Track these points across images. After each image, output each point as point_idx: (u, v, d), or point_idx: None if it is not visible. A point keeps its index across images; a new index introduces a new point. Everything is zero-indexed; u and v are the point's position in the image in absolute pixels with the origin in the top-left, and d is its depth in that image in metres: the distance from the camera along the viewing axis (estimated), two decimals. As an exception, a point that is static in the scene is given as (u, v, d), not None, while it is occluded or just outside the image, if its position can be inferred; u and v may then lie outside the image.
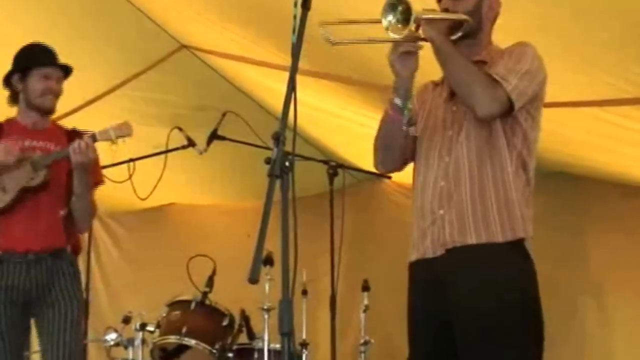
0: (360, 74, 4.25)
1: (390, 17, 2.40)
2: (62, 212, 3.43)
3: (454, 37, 2.57)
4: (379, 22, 2.43)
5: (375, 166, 2.79)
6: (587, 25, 2.91)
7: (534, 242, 2.56)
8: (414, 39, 2.49)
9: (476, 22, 2.59)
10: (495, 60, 2.55)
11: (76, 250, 3.51)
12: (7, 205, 3.35)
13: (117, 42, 4.88)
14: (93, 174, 3.47)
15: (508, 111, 2.50)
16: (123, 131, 3.38)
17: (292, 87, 1.91)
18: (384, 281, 4.99)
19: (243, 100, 5.45)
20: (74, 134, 3.51)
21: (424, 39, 2.50)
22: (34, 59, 3.51)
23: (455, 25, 2.59)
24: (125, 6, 4.70)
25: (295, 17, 1.96)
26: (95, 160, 3.43)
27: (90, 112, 5.27)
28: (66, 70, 3.57)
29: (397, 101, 2.57)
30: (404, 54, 2.50)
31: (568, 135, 3.98)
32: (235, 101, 5.27)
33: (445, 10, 2.61)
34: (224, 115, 4.68)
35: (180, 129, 4.73)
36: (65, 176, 3.44)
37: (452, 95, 2.64)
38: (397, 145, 2.67)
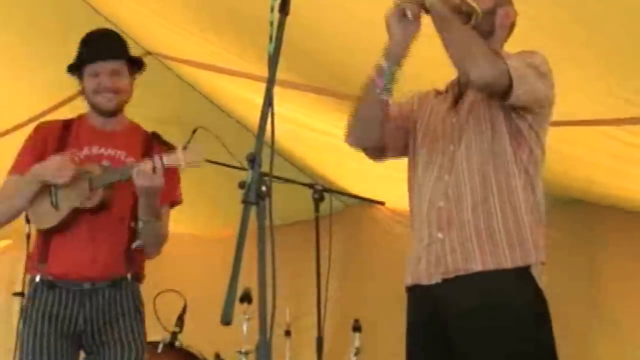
0: (351, 87, 4.27)
1: None
2: (134, 244, 3.28)
3: None
4: None
5: (346, 138, 2.82)
6: (592, 31, 2.98)
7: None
8: (418, 2, 2.56)
9: (487, 24, 2.65)
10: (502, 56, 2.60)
11: (139, 278, 3.39)
12: (58, 225, 3.23)
13: (73, 47, 4.87)
14: (165, 194, 3.31)
15: (505, 90, 2.50)
16: (193, 160, 3.28)
17: (268, 101, 1.92)
18: (377, 320, 5.00)
19: (217, 115, 5.49)
20: (153, 142, 3.43)
21: (425, 8, 2.57)
22: (84, 55, 3.42)
23: (463, 12, 2.62)
24: (82, 7, 4.74)
25: (271, 23, 1.97)
26: (171, 178, 3.32)
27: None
28: (129, 60, 3.43)
29: (384, 63, 2.61)
30: (404, 16, 2.57)
31: (578, 156, 4.02)
32: (208, 116, 5.31)
33: None
34: (194, 131, 4.65)
35: (166, 146, 4.73)
36: (132, 196, 3.26)
37: (455, 103, 2.69)
38: (374, 117, 2.69)
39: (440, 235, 2.57)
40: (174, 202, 3.48)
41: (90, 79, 3.38)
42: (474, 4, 2.64)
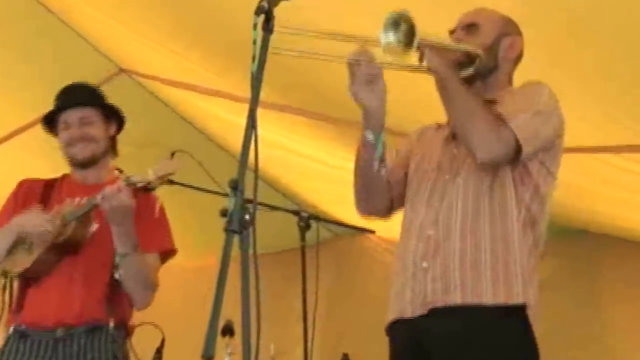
0: (340, 110, 4.32)
1: (391, 36, 2.45)
2: (117, 275, 3.22)
3: (463, 74, 2.64)
4: (371, 40, 2.47)
5: (357, 209, 2.84)
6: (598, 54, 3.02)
7: (538, 312, 2.52)
8: (414, 67, 2.54)
9: (491, 60, 2.67)
10: (505, 100, 2.63)
11: (126, 328, 3.32)
12: (31, 268, 3.20)
13: (37, 63, 4.90)
14: (153, 241, 3.30)
15: (515, 157, 2.53)
16: (164, 174, 3.21)
17: (251, 123, 1.93)
18: (367, 355, 4.99)
19: (197, 137, 5.53)
20: (138, 193, 3.28)
21: (426, 69, 2.55)
22: (55, 107, 3.45)
23: (465, 61, 2.65)
24: (49, 18, 4.77)
25: (254, 42, 1.99)
26: (158, 225, 3.30)
27: (4, 150, 5.30)
28: (99, 105, 3.43)
29: (368, 135, 2.63)
30: (368, 80, 2.53)
31: (582, 185, 4.05)
32: (188, 139, 5.36)
33: (457, 41, 2.67)
34: (172, 154, 4.67)
35: (120, 171, 4.72)
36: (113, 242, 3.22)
37: (454, 136, 2.70)
38: (374, 187, 2.72)
39: (425, 264, 2.58)
40: (166, 251, 3.44)
41: (63, 133, 3.43)
42: (475, 50, 2.62)
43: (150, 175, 3.20)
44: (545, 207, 2.63)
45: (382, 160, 2.67)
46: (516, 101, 2.59)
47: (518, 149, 2.51)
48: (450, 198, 2.61)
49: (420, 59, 2.56)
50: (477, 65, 2.66)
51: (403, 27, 2.44)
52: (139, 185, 3.21)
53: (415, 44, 2.42)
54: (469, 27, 2.70)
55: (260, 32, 2.04)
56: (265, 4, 2.05)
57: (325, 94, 4.17)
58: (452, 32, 2.72)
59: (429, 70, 2.55)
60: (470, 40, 2.68)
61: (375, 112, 2.59)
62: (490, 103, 2.62)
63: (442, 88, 2.54)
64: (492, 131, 2.48)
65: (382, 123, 2.62)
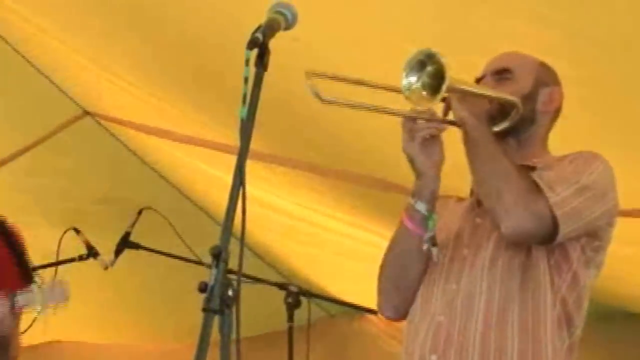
0: (335, 160, 4.36)
1: (414, 79, 2.45)
2: None
3: (496, 129, 2.60)
4: (395, 89, 2.45)
5: (380, 308, 2.74)
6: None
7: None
8: (438, 118, 2.53)
9: (528, 112, 2.64)
10: (546, 167, 2.58)
11: None
12: None
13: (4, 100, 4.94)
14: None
15: (548, 236, 2.46)
16: (57, 297, 3.33)
17: (239, 179, 1.90)
18: None
19: (170, 192, 5.50)
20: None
21: (451, 122, 2.54)
22: None
23: (499, 113, 2.62)
24: (7, 52, 4.76)
25: (245, 80, 1.98)
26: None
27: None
28: None
29: (420, 206, 2.58)
30: (427, 140, 2.53)
31: (626, 256, 4.01)
32: (159, 193, 5.34)
33: None
34: (140, 212, 4.67)
35: (77, 231, 4.71)
36: None
37: (478, 203, 2.65)
38: (414, 276, 2.64)
39: (433, 357, 2.52)
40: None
41: None
42: (512, 98, 2.60)
43: (38, 301, 3.32)
44: (584, 304, 2.55)
45: (433, 240, 2.61)
46: (560, 170, 2.53)
47: (554, 227, 2.44)
48: (471, 280, 2.51)
49: (447, 110, 2.55)
50: (514, 118, 2.61)
51: (430, 69, 2.43)
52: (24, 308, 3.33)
53: (443, 90, 2.40)
54: (501, 74, 2.67)
55: (252, 68, 2.02)
56: (259, 36, 2.04)
57: (323, 142, 4.16)
58: (479, 80, 2.69)
59: (456, 122, 2.52)
60: (502, 89, 2.64)
61: (431, 178, 2.59)
62: (528, 169, 2.57)
63: (470, 143, 2.52)
64: (523, 200, 2.44)
65: (437, 193, 2.60)
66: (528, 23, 2.99)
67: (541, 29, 2.96)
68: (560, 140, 2.73)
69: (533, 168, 2.58)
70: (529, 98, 2.65)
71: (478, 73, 2.71)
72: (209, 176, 5.05)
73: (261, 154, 4.41)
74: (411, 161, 2.56)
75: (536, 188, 2.46)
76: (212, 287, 1.83)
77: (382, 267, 2.69)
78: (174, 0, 3.79)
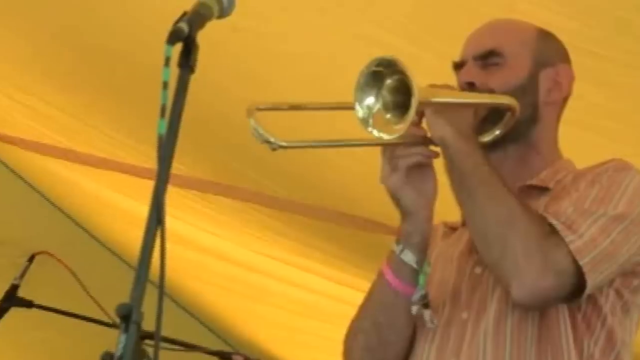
0: (301, 193, 4.44)
1: (372, 100, 2.42)
2: None
3: (487, 139, 2.58)
4: (350, 107, 2.42)
5: None
6: None
7: None
8: (419, 139, 2.50)
9: (528, 108, 2.61)
10: (564, 187, 2.57)
11: None
12: None
13: None
14: None
15: (573, 293, 2.46)
16: None
17: (157, 213, 1.91)
18: None
19: (72, 232, 5.56)
20: None
21: (429, 141, 2.51)
22: None
23: (489, 119, 2.59)
24: None
25: (165, 85, 1.92)
26: None
27: None
28: None
29: (408, 257, 2.56)
30: (413, 169, 2.51)
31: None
32: (57, 233, 5.38)
33: (471, 86, 2.61)
34: (32, 258, 4.65)
35: None
36: None
37: (475, 245, 2.60)
38: (398, 347, 2.65)
39: None
40: None
41: None
42: (506, 100, 2.56)
43: None
44: None
45: (425, 300, 2.57)
46: (580, 197, 2.50)
47: (579, 281, 2.43)
48: (471, 350, 2.55)
49: (418, 124, 2.51)
50: (508, 122, 2.58)
51: (390, 82, 2.42)
52: None
53: (413, 107, 2.35)
54: (487, 58, 2.62)
55: (170, 68, 1.94)
56: (183, 26, 1.99)
57: (279, 167, 4.20)
58: (458, 67, 2.65)
59: (434, 142, 2.51)
60: (489, 82, 2.58)
61: (422, 220, 2.56)
62: (537, 191, 2.57)
63: (456, 171, 2.49)
64: (537, 250, 2.41)
65: (427, 240, 2.58)
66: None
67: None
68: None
69: (544, 189, 2.59)
70: (527, 88, 2.62)
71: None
72: (123, 210, 5.11)
73: (195, 181, 4.48)
74: (395, 198, 2.53)
75: (551, 230, 2.43)
76: (121, 356, 1.81)
77: (354, 333, 2.68)
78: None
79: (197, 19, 2.03)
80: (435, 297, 2.64)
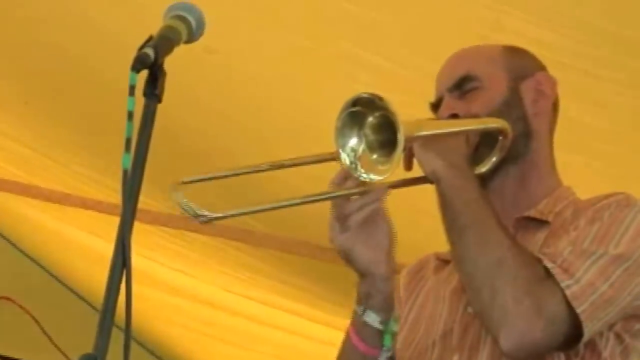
0: (283, 226, 4.43)
1: (354, 142, 2.39)
2: None
3: (485, 169, 2.59)
4: (332, 158, 2.39)
5: None
6: None
7: None
8: (379, 187, 2.43)
9: (518, 124, 2.62)
10: (563, 222, 2.58)
11: None
12: None
13: None
14: None
15: (567, 342, 2.45)
16: None
17: (122, 255, 1.89)
18: None
19: (34, 274, 5.55)
20: None
21: (418, 180, 2.51)
22: None
23: (483, 144, 2.59)
24: None
25: (130, 115, 1.90)
26: None
27: None
28: None
29: (370, 318, 2.54)
30: (365, 221, 2.47)
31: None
32: (18, 276, 5.38)
33: (454, 117, 2.61)
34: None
35: None
36: None
37: None
38: None
39: None
40: None
41: None
42: (495, 123, 2.56)
43: None
44: None
45: None
46: (579, 232, 2.49)
47: (574, 330, 2.42)
48: None
49: (408, 160, 2.50)
50: (503, 146, 2.58)
51: (372, 120, 2.39)
52: None
53: (400, 143, 2.32)
54: (463, 85, 2.64)
55: (135, 99, 1.91)
56: (149, 52, 1.96)
57: (246, 196, 4.17)
58: (435, 107, 2.65)
59: (426, 179, 2.49)
60: (470, 109, 2.60)
61: (381, 278, 2.52)
62: (536, 224, 2.58)
63: (447, 208, 2.49)
64: (528, 297, 2.40)
65: (392, 296, 2.54)
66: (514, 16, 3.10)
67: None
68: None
69: (542, 221, 2.58)
70: (511, 103, 2.62)
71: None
72: (88, 248, 5.11)
73: (166, 217, 4.48)
74: (347, 259, 2.50)
75: (546, 274, 2.42)
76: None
77: None
78: (38, 4, 3.82)
79: (163, 44, 2.00)
80: (424, 336, 2.65)
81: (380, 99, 2.35)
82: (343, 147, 2.39)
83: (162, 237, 4.68)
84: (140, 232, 1.94)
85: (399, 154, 2.33)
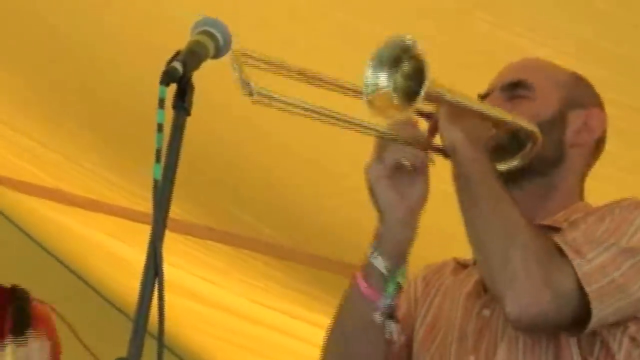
0: (300, 239, 4.47)
1: (383, 78, 2.38)
2: None
3: (502, 168, 2.55)
4: (358, 91, 2.37)
5: None
6: None
7: None
8: (418, 141, 2.46)
9: (552, 145, 2.60)
10: (574, 221, 2.56)
11: None
12: None
13: None
14: None
15: (575, 322, 2.42)
16: None
17: (154, 263, 1.92)
18: None
19: (61, 276, 5.59)
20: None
21: (437, 148, 2.49)
22: None
23: (509, 144, 2.58)
24: None
25: (159, 127, 1.94)
26: None
27: None
28: None
29: (378, 261, 2.54)
30: (402, 169, 2.49)
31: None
32: (46, 278, 5.35)
33: None
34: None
35: None
36: None
37: (485, 287, 2.58)
38: (369, 354, 2.60)
39: None
40: None
41: None
42: (526, 124, 2.52)
43: None
44: None
45: (391, 312, 2.55)
46: (589, 227, 2.48)
47: (583, 309, 2.38)
48: None
49: (432, 131, 2.49)
50: (529, 153, 2.56)
51: (407, 67, 2.38)
52: None
53: (421, 96, 2.30)
54: (515, 89, 2.62)
55: (164, 111, 1.95)
56: (177, 66, 2.00)
57: (277, 212, 4.26)
58: (483, 97, 2.64)
59: (444, 150, 2.48)
60: (516, 110, 2.59)
61: (397, 224, 2.53)
62: (549, 231, 2.52)
63: (463, 180, 2.47)
64: (538, 266, 2.38)
65: (405, 250, 2.54)
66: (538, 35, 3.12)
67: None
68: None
69: (556, 229, 2.55)
70: (554, 124, 2.60)
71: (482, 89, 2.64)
72: (116, 254, 5.13)
73: (191, 226, 4.52)
74: (372, 190, 2.51)
75: (556, 251, 2.41)
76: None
77: (326, 343, 2.69)
78: (69, 8, 3.84)
79: (191, 58, 2.03)
80: (445, 335, 2.64)
81: (419, 46, 2.34)
82: (372, 74, 2.38)
83: (188, 245, 4.70)
84: (166, 240, 1.96)
85: (418, 104, 2.33)
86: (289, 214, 4.14)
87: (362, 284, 2.55)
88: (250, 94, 2.29)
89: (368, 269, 2.55)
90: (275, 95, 2.32)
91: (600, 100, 2.66)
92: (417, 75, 2.33)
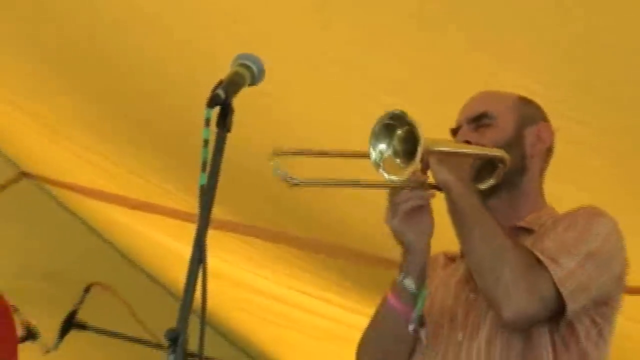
0: (318, 232, 4.40)
1: (384, 147, 2.49)
2: None
3: (483, 187, 2.65)
4: (365, 155, 2.48)
5: None
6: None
7: None
8: (420, 183, 2.55)
9: (517, 160, 2.68)
10: (546, 229, 2.63)
11: None
12: None
13: None
14: None
15: (554, 315, 2.52)
16: None
17: (199, 253, 1.93)
18: None
19: (122, 267, 5.54)
20: None
21: (434, 187, 2.57)
22: None
23: (484, 170, 2.64)
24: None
25: (205, 143, 1.98)
26: None
27: None
28: None
29: (409, 283, 2.62)
30: (412, 211, 2.56)
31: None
32: (109, 268, 5.35)
33: (467, 143, 2.65)
34: (87, 288, 4.61)
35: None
36: None
37: (471, 275, 2.66)
38: (399, 353, 2.68)
39: None
40: None
41: None
42: (499, 152, 2.64)
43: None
44: None
45: (422, 320, 2.62)
46: (560, 237, 2.58)
47: (560, 307, 2.50)
48: None
49: (424, 171, 2.57)
50: (501, 172, 2.65)
51: (400, 132, 2.47)
52: None
53: (418, 154, 2.40)
54: (479, 120, 2.71)
55: (212, 129, 2.03)
56: (221, 92, 2.06)
57: (301, 211, 4.22)
58: (454, 131, 2.73)
59: (438, 187, 2.57)
60: (482, 141, 2.66)
61: (420, 253, 2.62)
62: (524, 233, 2.63)
63: (458, 213, 2.56)
64: (524, 279, 2.49)
65: (425, 270, 2.64)
66: (523, 75, 3.12)
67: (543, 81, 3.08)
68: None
69: (529, 230, 2.65)
70: (515, 143, 2.68)
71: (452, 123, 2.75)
72: (167, 248, 5.09)
73: (230, 224, 4.47)
74: (396, 237, 2.59)
75: (537, 263, 2.50)
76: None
77: (361, 347, 2.73)
78: (129, 49, 3.84)
79: (232, 86, 2.10)
80: (437, 320, 2.70)
81: (410, 117, 2.44)
82: (374, 147, 2.49)
83: (230, 240, 4.68)
84: (209, 235, 1.98)
85: (417, 162, 2.43)
86: (316, 210, 4.15)
87: (396, 303, 2.64)
88: (290, 185, 2.49)
89: (400, 291, 2.64)
90: (311, 181, 2.58)
91: (545, 115, 2.77)
92: (410, 137, 2.44)
